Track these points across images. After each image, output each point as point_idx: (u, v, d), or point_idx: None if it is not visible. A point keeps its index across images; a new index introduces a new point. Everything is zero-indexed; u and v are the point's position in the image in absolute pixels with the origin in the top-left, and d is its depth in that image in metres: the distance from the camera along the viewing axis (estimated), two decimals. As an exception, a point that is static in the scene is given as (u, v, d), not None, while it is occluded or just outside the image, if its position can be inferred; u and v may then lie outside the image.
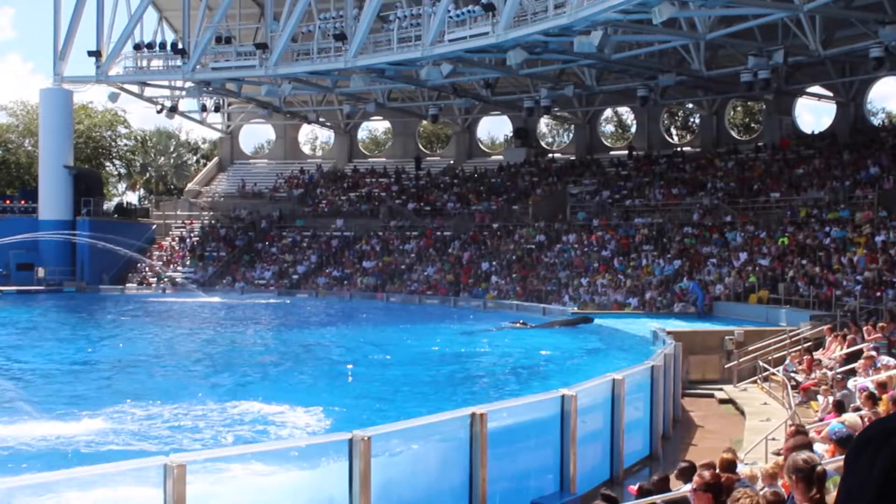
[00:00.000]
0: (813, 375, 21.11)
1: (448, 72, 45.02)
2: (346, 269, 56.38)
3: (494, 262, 50.98)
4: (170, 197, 77.58)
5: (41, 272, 58.49)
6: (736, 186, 48.69)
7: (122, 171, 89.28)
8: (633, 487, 11.28)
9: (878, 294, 29.37)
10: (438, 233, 56.65)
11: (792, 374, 21.95)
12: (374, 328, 38.07)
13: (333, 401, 18.94)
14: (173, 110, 62.67)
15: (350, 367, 25.92)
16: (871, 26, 37.15)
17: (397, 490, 10.37)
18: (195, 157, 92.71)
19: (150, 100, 62.67)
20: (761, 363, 24.22)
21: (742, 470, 10.35)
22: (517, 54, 40.35)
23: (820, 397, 18.64)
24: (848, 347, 21.70)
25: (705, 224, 45.70)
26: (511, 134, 69.36)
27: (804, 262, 36.17)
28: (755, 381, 24.36)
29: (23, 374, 23.58)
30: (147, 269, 61.36)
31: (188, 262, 61.85)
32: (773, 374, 23.22)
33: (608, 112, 71.15)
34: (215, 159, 76.97)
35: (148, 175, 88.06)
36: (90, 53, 56.52)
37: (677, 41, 41.89)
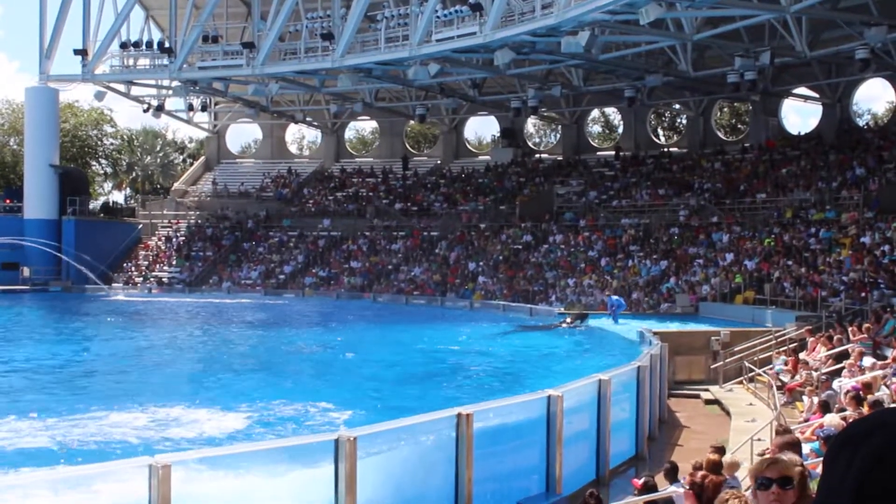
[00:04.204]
0: (798, 376, 21.19)
1: (435, 72, 45.01)
2: (332, 269, 56.32)
3: (481, 263, 50.99)
4: (156, 196, 77.25)
5: (26, 272, 58.20)
6: (722, 187, 48.83)
7: (109, 170, 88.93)
8: (638, 481, 11.31)
9: (864, 295, 29.49)
10: (425, 233, 56.62)
11: (779, 375, 22.02)
12: (361, 327, 38.02)
13: (319, 401, 18.91)
14: (160, 109, 62.47)
15: (336, 364, 25.91)
16: (857, 28, 37.31)
17: (383, 490, 10.36)
18: (182, 157, 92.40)
19: (136, 99, 62.44)
20: (747, 364, 24.29)
21: (725, 459, 10.42)
22: (504, 54, 40.37)
23: (805, 398, 18.71)
24: (834, 348, 21.78)
25: (692, 225, 45.83)
26: (498, 134, 69.36)
27: (790, 262, 36.30)
28: (741, 382, 24.42)
29: (7, 375, 23.48)
30: (133, 268, 61.21)
31: (174, 262, 61.67)
32: (759, 374, 23.28)
33: (595, 112, 71.23)
34: (202, 159, 76.69)
35: (134, 174, 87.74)
36: (76, 52, 56.25)
37: (664, 42, 41.98)
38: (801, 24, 38.03)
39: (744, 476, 10.03)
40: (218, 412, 17.27)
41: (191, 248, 62.64)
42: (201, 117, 71.22)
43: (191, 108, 63.48)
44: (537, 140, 78.17)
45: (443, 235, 55.45)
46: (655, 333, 24.06)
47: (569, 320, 35.16)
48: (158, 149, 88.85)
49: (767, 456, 7.48)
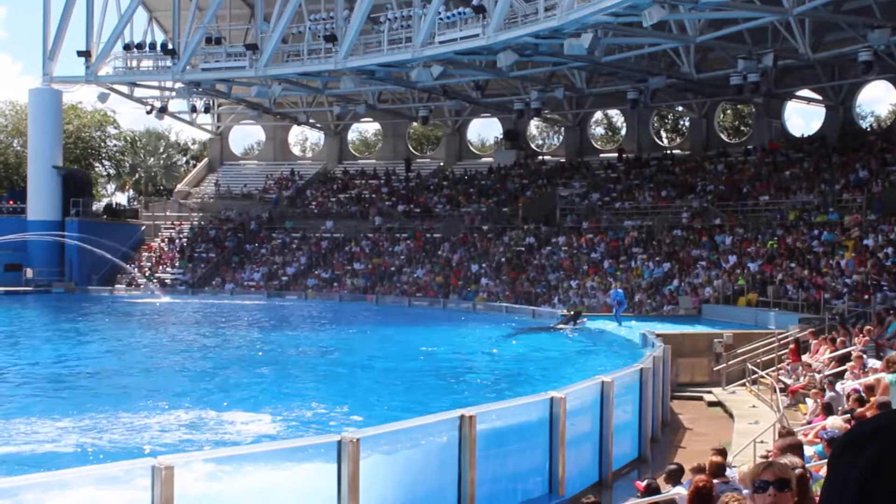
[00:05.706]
0: (801, 379, 21.16)
1: (438, 73, 45.04)
2: (335, 270, 56.31)
3: (484, 264, 50.97)
4: (159, 198, 77.32)
5: (29, 273, 58.24)
6: (725, 189, 48.77)
7: (112, 171, 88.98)
8: (641, 484, 11.31)
9: (866, 297, 29.46)
10: (428, 234, 56.59)
11: (783, 378, 21.99)
12: (364, 329, 38.01)
13: (322, 402, 18.92)
14: (163, 111, 62.46)
15: (339, 366, 25.91)
16: (860, 30, 37.28)
17: (386, 492, 10.36)
18: (185, 158, 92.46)
19: (139, 100, 62.48)
20: (750, 366, 24.25)
21: (731, 474, 10.39)
22: (507, 56, 40.36)
23: (809, 400, 18.68)
24: (836, 350, 21.75)
25: (694, 227, 45.78)
26: (501, 136, 69.36)
27: (793, 265, 36.26)
28: (744, 384, 24.39)
29: (7, 377, 23.48)
30: (136, 269, 61.21)
31: (177, 264, 61.70)
32: (762, 376, 23.24)
33: (598, 114, 71.24)
34: (205, 160, 76.78)
35: (137, 176, 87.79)
36: (80, 53, 56.31)
37: (667, 44, 41.98)
38: (804, 27, 38.01)
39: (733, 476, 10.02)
40: (221, 414, 17.26)
41: (194, 250, 62.68)
42: (204, 119, 71.30)
43: (194, 109, 63.46)
44: (540, 142, 78.18)
45: (445, 237, 55.42)
46: (658, 335, 24.03)
47: (562, 322, 35.05)
48: (161, 150, 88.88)
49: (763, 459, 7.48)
